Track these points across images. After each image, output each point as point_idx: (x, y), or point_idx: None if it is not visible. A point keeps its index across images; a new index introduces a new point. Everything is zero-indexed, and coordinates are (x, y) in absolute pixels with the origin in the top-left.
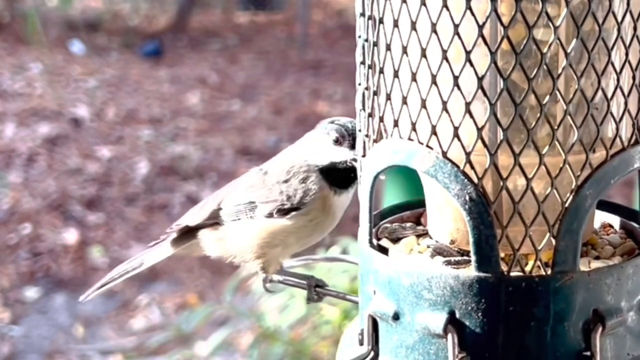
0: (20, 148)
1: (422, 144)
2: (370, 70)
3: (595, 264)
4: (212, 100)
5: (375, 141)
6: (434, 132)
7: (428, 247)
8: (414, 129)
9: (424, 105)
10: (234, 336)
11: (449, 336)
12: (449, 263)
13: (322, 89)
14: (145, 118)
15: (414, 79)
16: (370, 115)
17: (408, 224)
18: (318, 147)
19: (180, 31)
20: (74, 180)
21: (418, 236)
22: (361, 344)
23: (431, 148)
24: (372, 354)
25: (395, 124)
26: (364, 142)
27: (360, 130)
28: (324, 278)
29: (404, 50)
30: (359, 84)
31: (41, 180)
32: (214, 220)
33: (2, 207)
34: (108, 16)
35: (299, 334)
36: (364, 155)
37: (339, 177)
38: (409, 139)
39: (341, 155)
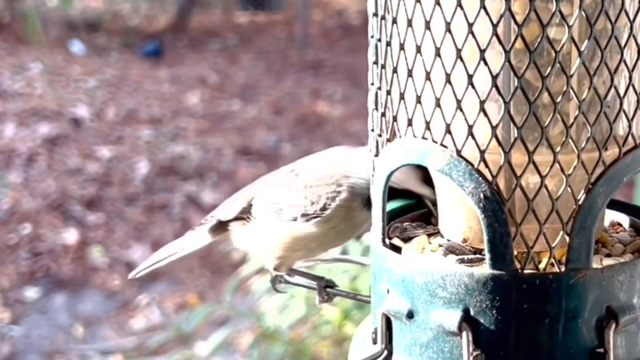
0: (20, 148)
1: (436, 142)
2: (383, 70)
3: (607, 262)
4: (212, 100)
5: (388, 140)
6: (448, 130)
7: (440, 246)
8: (428, 128)
9: (438, 104)
10: (234, 336)
11: (464, 334)
12: (462, 261)
13: (322, 89)
14: (145, 118)
15: (428, 78)
16: (384, 114)
17: (418, 224)
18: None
19: (180, 31)
20: (74, 180)
21: (429, 235)
22: (375, 342)
23: (445, 147)
24: (385, 352)
25: (409, 123)
26: (377, 142)
27: (372, 130)
28: None
29: (418, 50)
30: (372, 84)
31: (41, 180)
32: (244, 216)
33: (2, 207)
34: (108, 16)
35: (299, 334)
36: (376, 155)
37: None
38: (423, 137)
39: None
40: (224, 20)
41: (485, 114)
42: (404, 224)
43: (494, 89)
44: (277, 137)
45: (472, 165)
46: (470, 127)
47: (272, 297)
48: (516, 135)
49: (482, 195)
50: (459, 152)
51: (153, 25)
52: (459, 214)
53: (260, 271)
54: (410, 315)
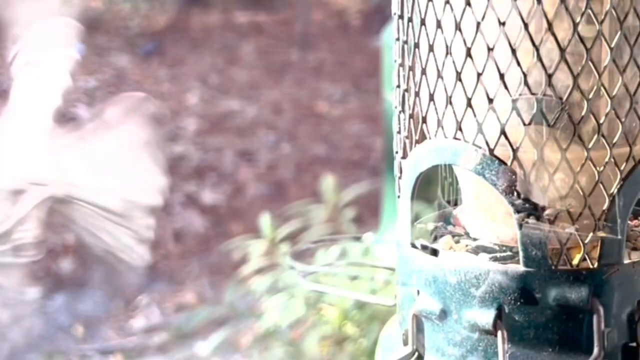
0: None
1: (468, 142)
2: (410, 72)
3: (635, 255)
4: (212, 100)
5: (417, 142)
6: (480, 130)
7: (467, 245)
8: (459, 128)
9: (469, 104)
10: (234, 336)
11: (499, 332)
12: (495, 259)
13: (322, 88)
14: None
15: (458, 78)
16: (411, 116)
17: (440, 224)
18: None
19: (180, 31)
20: None
21: (453, 235)
22: (405, 344)
23: (478, 146)
24: (416, 354)
25: (439, 124)
26: (404, 144)
27: (399, 132)
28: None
29: (448, 51)
30: (397, 86)
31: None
32: None
33: None
34: (108, 16)
35: (299, 334)
36: (404, 157)
37: None
38: (455, 138)
39: None
40: (224, 20)
41: (518, 113)
42: (427, 224)
43: (525, 87)
44: (277, 137)
45: (505, 163)
46: (502, 126)
47: (272, 297)
48: (548, 133)
49: (515, 194)
50: (491, 151)
51: (153, 25)
52: (489, 212)
53: (260, 271)
54: (442, 315)
